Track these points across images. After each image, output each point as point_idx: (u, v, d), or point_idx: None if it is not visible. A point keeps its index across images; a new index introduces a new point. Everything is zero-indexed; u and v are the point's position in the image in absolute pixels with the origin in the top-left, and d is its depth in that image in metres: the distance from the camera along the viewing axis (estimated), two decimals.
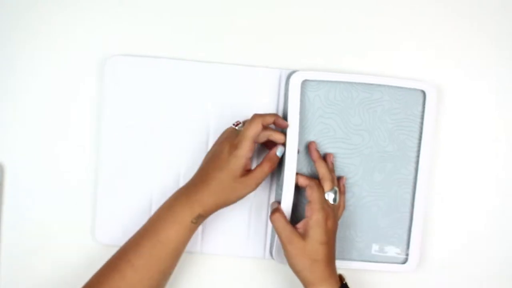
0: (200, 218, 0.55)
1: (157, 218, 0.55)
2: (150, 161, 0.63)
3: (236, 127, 0.59)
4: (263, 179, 0.56)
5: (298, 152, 0.59)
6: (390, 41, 0.65)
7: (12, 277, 0.63)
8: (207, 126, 0.63)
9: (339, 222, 0.60)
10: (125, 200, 0.63)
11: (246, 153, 0.54)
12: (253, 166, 0.61)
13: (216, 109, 0.63)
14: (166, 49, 0.63)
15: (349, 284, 0.56)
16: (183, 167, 0.63)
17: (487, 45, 0.66)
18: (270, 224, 0.63)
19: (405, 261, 0.64)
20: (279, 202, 0.58)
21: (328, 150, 0.62)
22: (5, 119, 0.63)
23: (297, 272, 0.55)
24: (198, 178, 0.56)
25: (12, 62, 0.63)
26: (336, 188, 0.58)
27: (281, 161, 0.59)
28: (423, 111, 0.62)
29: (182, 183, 0.60)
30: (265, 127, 0.57)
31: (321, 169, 0.58)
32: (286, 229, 0.55)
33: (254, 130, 0.55)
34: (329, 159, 0.61)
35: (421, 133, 0.63)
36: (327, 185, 0.57)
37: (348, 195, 0.63)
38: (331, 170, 0.60)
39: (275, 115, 0.57)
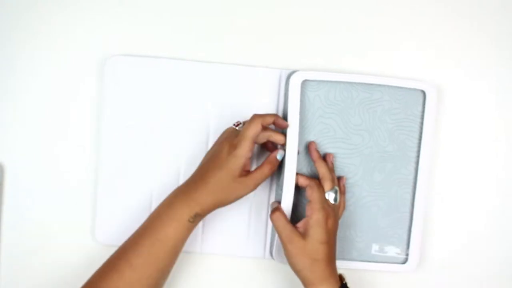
0: (197, 217, 0.55)
1: (157, 215, 0.55)
2: (150, 161, 0.63)
3: (237, 127, 0.59)
4: (262, 181, 0.56)
5: (298, 153, 0.59)
6: (390, 41, 0.65)
7: (12, 277, 0.63)
8: (207, 126, 0.63)
9: (339, 222, 0.60)
10: (125, 200, 0.63)
11: (246, 153, 0.54)
12: (253, 167, 0.61)
13: (216, 109, 0.63)
14: (166, 49, 0.63)
15: (349, 284, 0.56)
16: (183, 166, 0.63)
17: (487, 45, 0.66)
18: (270, 224, 0.63)
19: (405, 261, 0.64)
20: (279, 202, 0.58)
21: (328, 150, 0.62)
22: (5, 119, 0.63)
23: (297, 272, 0.55)
24: (198, 176, 0.56)
25: (12, 62, 0.63)
26: (337, 188, 0.58)
27: (281, 163, 0.59)
28: (423, 111, 0.62)
29: (181, 182, 0.60)
30: (265, 128, 0.57)
31: (321, 169, 0.58)
32: (286, 228, 0.55)
33: (253, 130, 0.55)
34: (329, 159, 0.61)
35: (421, 133, 0.63)
36: (327, 184, 0.57)
37: (348, 195, 0.63)
38: (331, 170, 0.60)
39: (275, 115, 0.57)
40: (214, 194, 0.54)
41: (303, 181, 0.58)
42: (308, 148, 0.61)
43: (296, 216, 0.59)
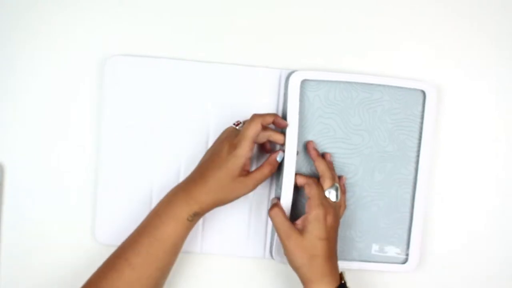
0: (196, 216, 0.55)
1: (155, 214, 0.55)
2: (150, 161, 0.63)
3: (237, 127, 0.59)
4: (262, 181, 0.57)
5: (297, 153, 0.59)
6: (390, 41, 0.65)
7: (12, 277, 0.63)
8: (207, 126, 0.63)
9: (340, 221, 0.60)
10: (125, 200, 0.63)
11: (246, 152, 0.55)
12: (253, 167, 0.61)
13: (216, 109, 0.63)
14: (166, 49, 0.63)
15: (348, 284, 0.55)
16: (183, 166, 0.63)
17: (487, 45, 0.66)
18: (270, 224, 0.63)
19: (405, 261, 0.64)
20: (279, 198, 0.58)
21: (328, 150, 0.62)
22: (5, 119, 0.63)
23: (295, 269, 0.55)
24: (197, 175, 0.56)
25: (12, 62, 0.63)
26: (337, 185, 0.58)
27: (281, 164, 0.59)
28: (423, 111, 0.62)
29: None
30: (265, 127, 0.57)
31: (320, 167, 0.58)
32: (284, 224, 0.55)
33: (253, 130, 0.55)
34: (327, 157, 0.61)
35: (421, 133, 0.63)
36: (327, 182, 0.57)
37: (348, 195, 0.63)
38: (331, 167, 0.60)
39: (275, 114, 0.57)
40: (213, 193, 0.54)
41: (301, 180, 0.58)
42: (307, 147, 0.61)
43: (296, 216, 0.59)
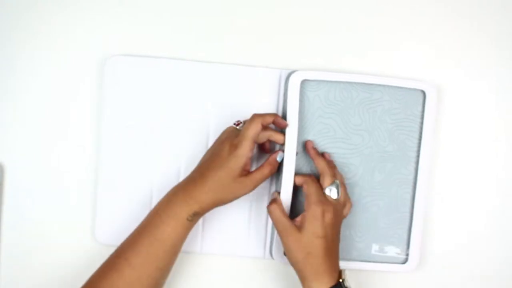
0: (196, 216, 0.55)
1: (155, 214, 0.55)
2: (150, 161, 0.63)
3: (237, 127, 0.59)
4: (262, 182, 0.57)
5: (297, 154, 0.59)
6: (390, 41, 0.65)
7: (12, 277, 0.63)
8: (207, 126, 0.63)
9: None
10: (125, 200, 0.63)
11: (247, 152, 0.55)
12: (252, 167, 0.61)
13: (216, 109, 0.63)
14: (166, 49, 0.63)
15: (348, 283, 0.55)
16: (183, 166, 0.63)
17: (487, 45, 0.66)
18: (270, 224, 0.63)
19: (405, 261, 0.64)
20: (279, 193, 0.58)
21: (328, 150, 0.62)
22: (5, 119, 0.63)
23: (292, 264, 0.56)
24: (198, 174, 0.56)
25: (12, 62, 0.63)
26: (338, 182, 0.57)
27: (280, 164, 0.59)
28: (423, 111, 0.62)
29: None
30: (265, 127, 0.57)
31: (320, 165, 0.58)
32: (282, 219, 0.56)
33: (254, 129, 0.55)
34: (326, 157, 0.61)
35: (421, 133, 0.63)
36: (327, 180, 0.57)
37: None
38: (331, 165, 0.59)
39: (275, 114, 0.57)
40: (213, 193, 0.54)
41: (299, 179, 0.58)
42: (306, 147, 0.61)
43: (298, 216, 0.59)
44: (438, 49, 0.65)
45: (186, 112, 0.63)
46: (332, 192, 0.57)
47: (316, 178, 0.58)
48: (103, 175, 0.62)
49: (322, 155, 0.61)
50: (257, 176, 0.56)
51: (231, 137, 0.57)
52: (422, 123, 0.63)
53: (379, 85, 0.62)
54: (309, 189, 0.56)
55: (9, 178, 0.63)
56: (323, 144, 0.62)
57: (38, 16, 0.63)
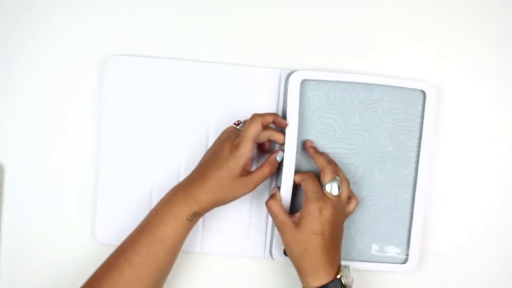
0: (196, 216, 0.55)
1: (155, 213, 0.55)
2: (150, 161, 0.63)
3: (237, 127, 0.59)
4: (262, 181, 0.57)
5: (297, 154, 0.59)
6: (390, 41, 0.65)
7: (12, 277, 0.63)
8: (207, 126, 0.63)
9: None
10: (125, 200, 0.63)
11: (247, 153, 0.55)
12: (253, 167, 0.61)
13: (216, 109, 0.63)
14: (166, 49, 0.63)
15: (347, 280, 0.54)
16: (183, 166, 0.63)
17: (487, 45, 0.66)
18: (270, 224, 0.63)
19: (405, 261, 0.64)
20: (279, 188, 0.58)
21: (328, 150, 0.62)
22: (5, 119, 0.63)
23: (290, 259, 0.56)
24: (198, 174, 0.56)
25: (12, 62, 0.63)
26: (338, 178, 0.57)
27: (281, 164, 0.59)
28: (423, 111, 0.62)
29: None
30: (265, 127, 0.57)
31: (319, 162, 0.58)
32: (280, 215, 0.56)
33: (254, 129, 0.55)
34: (324, 154, 0.61)
35: (421, 133, 0.63)
36: (327, 176, 0.57)
37: None
38: (331, 162, 0.59)
39: (275, 114, 0.57)
40: (213, 193, 0.54)
41: (298, 178, 0.58)
42: (304, 146, 0.61)
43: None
44: (438, 49, 0.65)
45: (186, 112, 0.63)
46: (333, 189, 0.56)
47: (317, 176, 0.58)
48: (103, 175, 0.62)
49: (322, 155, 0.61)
50: (257, 176, 0.56)
51: (231, 137, 0.57)
52: (422, 123, 0.63)
53: (379, 85, 0.62)
54: (307, 186, 0.56)
55: (9, 178, 0.63)
56: (323, 144, 0.62)
57: (38, 16, 0.63)
